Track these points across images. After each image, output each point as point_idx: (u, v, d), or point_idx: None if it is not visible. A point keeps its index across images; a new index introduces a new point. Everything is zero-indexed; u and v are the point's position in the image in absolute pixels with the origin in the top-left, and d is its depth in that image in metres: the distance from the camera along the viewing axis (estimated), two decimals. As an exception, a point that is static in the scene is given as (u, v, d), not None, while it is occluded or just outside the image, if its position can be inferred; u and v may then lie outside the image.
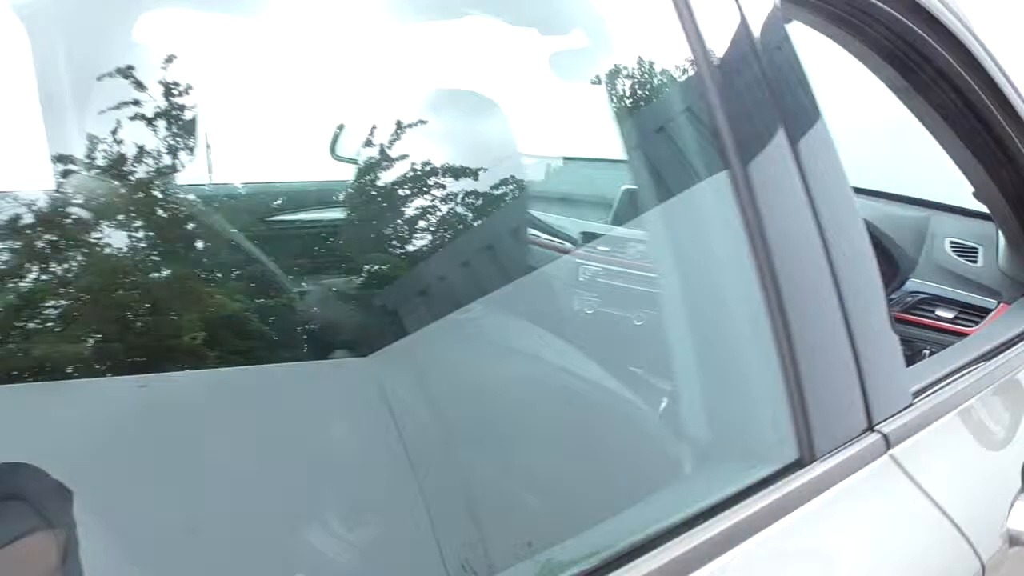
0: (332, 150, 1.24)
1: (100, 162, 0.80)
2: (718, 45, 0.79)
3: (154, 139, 0.83)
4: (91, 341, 0.74)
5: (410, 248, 1.03)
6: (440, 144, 1.06)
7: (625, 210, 1.77)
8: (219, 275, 0.90)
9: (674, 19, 0.79)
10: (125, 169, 0.81)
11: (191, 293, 0.83)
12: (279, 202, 1.30)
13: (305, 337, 0.96)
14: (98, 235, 0.78)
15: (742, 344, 0.80)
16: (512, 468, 0.94)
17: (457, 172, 1.02)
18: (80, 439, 0.72)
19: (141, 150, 0.81)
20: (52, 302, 0.72)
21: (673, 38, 0.79)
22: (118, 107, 0.80)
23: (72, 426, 0.72)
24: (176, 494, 0.76)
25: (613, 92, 0.94)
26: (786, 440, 0.77)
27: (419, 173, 1.01)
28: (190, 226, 0.88)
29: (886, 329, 0.89)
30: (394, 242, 1.04)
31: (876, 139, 1.76)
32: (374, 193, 1.07)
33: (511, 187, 1.08)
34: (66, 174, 0.77)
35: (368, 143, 1.02)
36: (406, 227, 1.03)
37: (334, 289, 1.01)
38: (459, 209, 1.03)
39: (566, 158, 1.85)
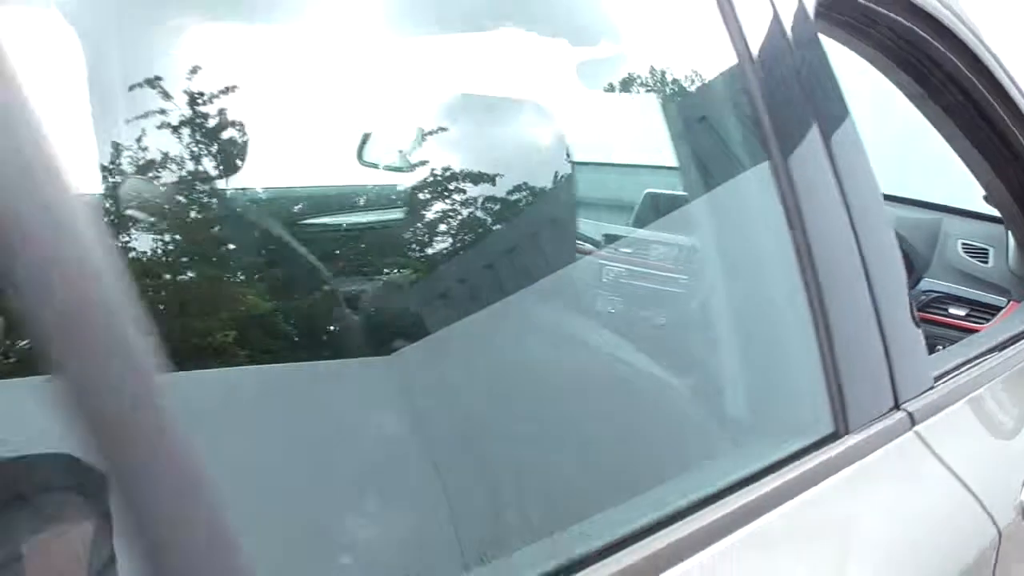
0: (359, 156, 1.29)
1: (141, 166, 0.83)
2: (756, 39, 0.84)
3: (189, 145, 0.85)
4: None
5: (437, 250, 1.06)
6: (464, 150, 1.09)
7: (648, 213, 1.84)
8: (255, 276, 0.92)
9: (716, 14, 0.83)
10: (168, 172, 0.84)
11: (225, 294, 0.87)
12: (313, 206, 1.30)
13: (333, 336, 0.98)
14: (144, 236, 0.82)
15: (786, 329, 0.88)
16: (545, 458, 0.94)
17: (482, 178, 1.05)
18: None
19: (172, 156, 0.84)
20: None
21: (716, 32, 0.84)
22: (147, 115, 0.83)
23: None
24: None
25: (659, 87, 1.00)
26: (822, 415, 0.85)
27: (445, 178, 1.03)
28: (224, 228, 0.91)
29: (910, 319, 0.97)
30: (420, 245, 1.07)
31: (888, 146, 1.83)
32: (408, 198, 1.10)
33: (534, 192, 1.11)
34: (112, 175, 0.80)
35: (405, 148, 1.05)
36: (434, 230, 1.06)
37: (361, 289, 1.02)
38: (493, 212, 1.06)
39: (589, 163, 1.90)
